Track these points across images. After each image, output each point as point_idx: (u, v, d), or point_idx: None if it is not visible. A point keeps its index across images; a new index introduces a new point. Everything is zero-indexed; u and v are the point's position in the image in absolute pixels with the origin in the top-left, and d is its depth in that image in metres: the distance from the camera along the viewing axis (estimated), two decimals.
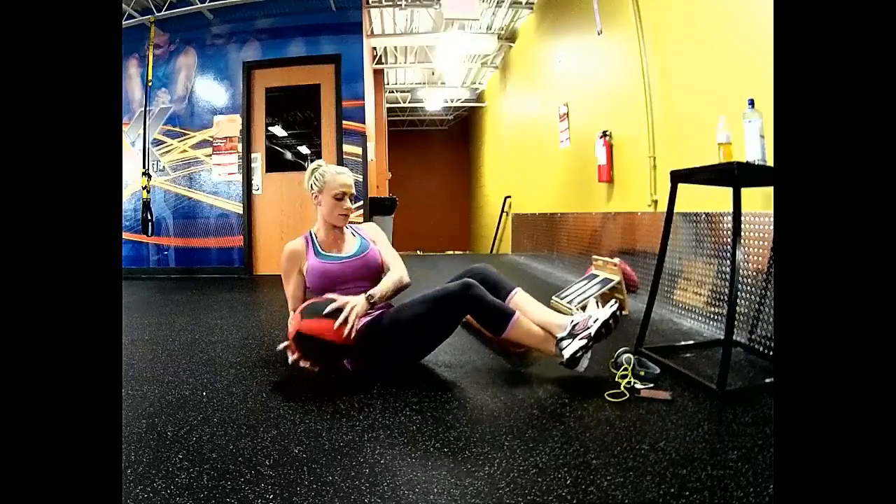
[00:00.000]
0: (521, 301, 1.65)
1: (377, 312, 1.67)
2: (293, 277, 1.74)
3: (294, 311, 1.64)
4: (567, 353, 1.49)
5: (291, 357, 1.54)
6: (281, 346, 1.57)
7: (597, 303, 1.60)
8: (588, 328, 1.49)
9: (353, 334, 1.49)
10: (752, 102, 1.66)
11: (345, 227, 1.84)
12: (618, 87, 3.40)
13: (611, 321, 1.49)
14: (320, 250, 1.75)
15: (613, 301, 1.54)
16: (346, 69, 4.61)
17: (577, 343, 1.48)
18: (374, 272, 1.77)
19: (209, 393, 1.53)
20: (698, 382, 1.51)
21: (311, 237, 1.79)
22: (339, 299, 1.54)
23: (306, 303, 1.58)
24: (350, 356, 1.61)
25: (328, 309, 1.50)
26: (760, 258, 1.87)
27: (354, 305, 1.52)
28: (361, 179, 4.57)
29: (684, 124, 2.62)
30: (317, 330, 1.48)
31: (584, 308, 1.63)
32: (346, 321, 1.48)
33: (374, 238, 1.89)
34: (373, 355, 1.60)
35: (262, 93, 4.73)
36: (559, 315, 1.60)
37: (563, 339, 1.52)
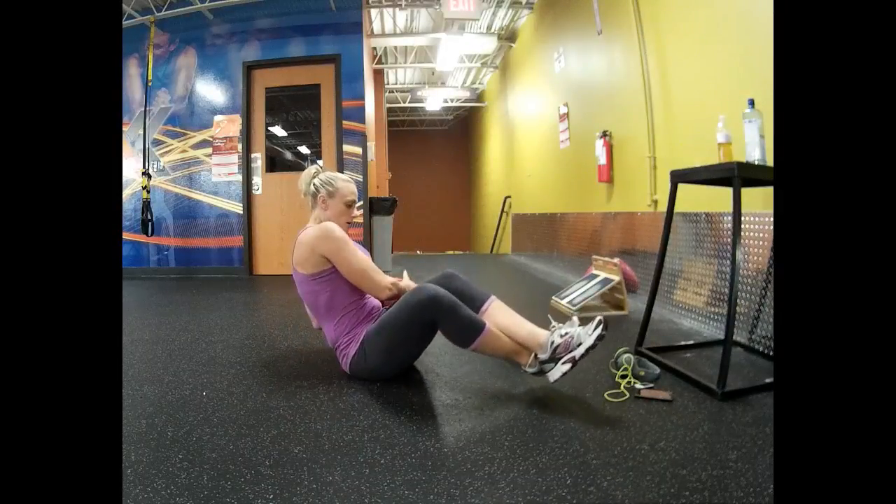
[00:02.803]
0: (496, 313, 1.60)
1: (370, 323, 1.67)
2: (356, 247, 1.66)
3: (388, 278, 1.65)
4: (552, 378, 1.44)
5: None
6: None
7: (578, 319, 1.52)
8: (571, 352, 1.43)
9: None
10: (752, 102, 1.66)
11: None
12: (618, 87, 3.40)
13: (597, 343, 1.42)
14: None
15: (599, 319, 1.44)
16: (346, 69, 4.61)
17: (562, 368, 1.42)
18: None
19: (209, 393, 1.53)
20: (698, 382, 1.51)
21: None
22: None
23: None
24: None
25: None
26: (760, 258, 1.87)
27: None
28: (361, 179, 4.57)
29: (684, 124, 2.62)
30: None
31: (567, 319, 1.58)
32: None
33: None
34: (366, 363, 1.59)
35: (262, 93, 4.73)
36: (538, 330, 1.54)
37: (546, 361, 1.48)
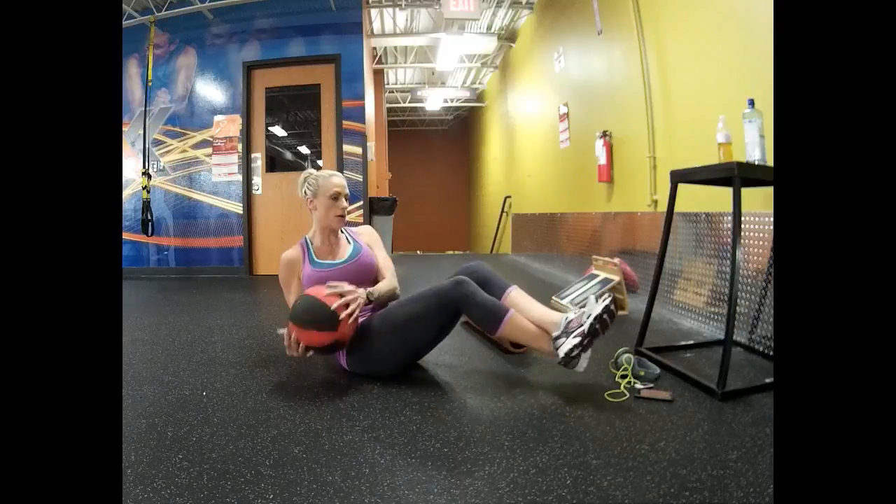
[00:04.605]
0: (517, 299, 1.63)
1: (369, 312, 1.67)
2: (293, 286, 1.74)
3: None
4: (562, 352, 1.45)
5: (289, 351, 1.54)
6: (280, 331, 1.58)
7: (596, 298, 1.57)
8: (581, 325, 1.45)
9: (349, 321, 1.49)
10: (752, 102, 1.66)
11: (340, 232, 1.84)
12: (618, 87, 3.40)
13: (605, 315, 1.44)
14: (315, 258, 1.75)
15: (607, 295, 1.49)
16: (346, 69, 4.61)
17: (572, 341, 1.44)
18: (369, 276, 1.77)
19: (209, 393, 1.53)
20: (698, 382, 1.51)
21: (307, 244, 1.78)
22: (341, 285, 1.55)
23: (294, 303, 1.58)
24: (343, 348, 1.61)
25: (328, 291, 1.51)
26: (760, 258, 1.87)
27: (357, 295, 1.53)
28: (361, 179, 4.57)
29: (684, 124, 2.62)
30: (310, 341, 1.50)
31: (583, 305, 1.59)
32: (346, 305, 1.49)
33: (369, 242, 1.89)
34: (367, 354, 1.60)
35: (262, 93, 4.73)
36: (554, 312, 1.56)
37: (557, 337, 1.49)
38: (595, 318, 1.43)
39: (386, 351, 1.59)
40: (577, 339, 1.43)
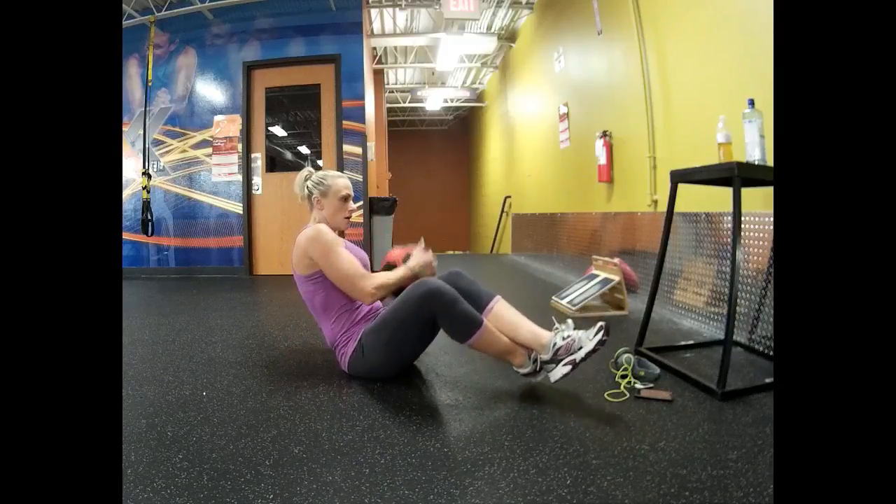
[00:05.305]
0: (502, 311, 1.59)
1: (363, 326, 1.66)
2: (342, 251, 1.63)
3: (371, 282, 1.59)
4: (553, 379, 1.44)
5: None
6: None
7: (573, 324, 1.51)
8: (572, 354, 1.43)
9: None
10: (752, 102, 1.66)
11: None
12: (618, 87, 3.40)
13: (598, 347, 1.42)
14: None
15: (600, 325, 1.43)
16: (346, 69, 4.61)
17: (562, 370, 1.43)
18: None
19: (209, 393, 1.53)
20: (698, 382, 1.51)
21: None
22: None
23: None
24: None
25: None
26: (760, 258, 1.87)
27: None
28: (361, 179, 4.57)
29: (684, 124, 2.62)
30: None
31: (562, 322, 1.55)
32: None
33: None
34: (365, 365, 1.60)
35: (262, 93, 4.73)
36: (540, 332, 1.53)
37: (547, 362, 1.47)
38: (588, 353, 1.41)
39: (379, 363, 1.58)
40: (568, 368, 1.42)
